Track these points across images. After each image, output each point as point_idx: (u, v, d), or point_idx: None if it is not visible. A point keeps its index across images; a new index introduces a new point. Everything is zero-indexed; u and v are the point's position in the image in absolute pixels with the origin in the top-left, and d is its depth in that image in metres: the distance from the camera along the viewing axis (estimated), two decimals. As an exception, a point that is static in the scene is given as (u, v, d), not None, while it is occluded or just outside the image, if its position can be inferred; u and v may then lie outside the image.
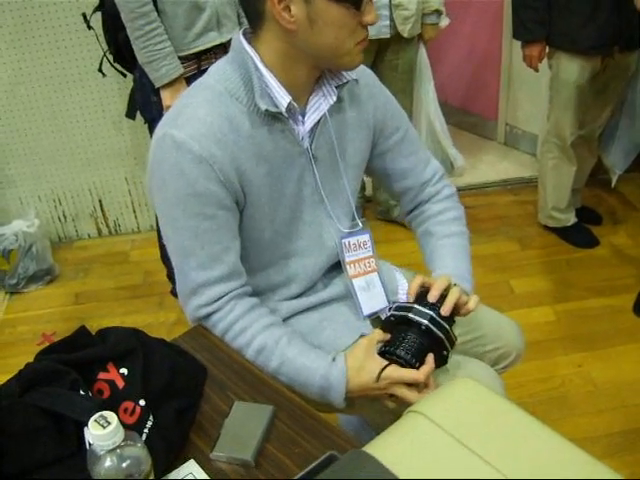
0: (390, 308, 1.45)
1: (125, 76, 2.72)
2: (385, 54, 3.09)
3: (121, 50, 2.50)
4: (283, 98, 1.34)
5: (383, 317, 1.57)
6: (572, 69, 2.87)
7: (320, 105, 1.43)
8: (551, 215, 3.38)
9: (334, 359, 1.36)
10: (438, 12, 3.09)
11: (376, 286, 1.60)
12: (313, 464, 0.75)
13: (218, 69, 1.39)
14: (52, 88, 3.30)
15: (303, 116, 1.42)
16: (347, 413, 1.56)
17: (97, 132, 3.44)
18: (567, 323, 2.83)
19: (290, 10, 1.25)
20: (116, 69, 2.66)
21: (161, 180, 1.35)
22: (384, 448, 0.73)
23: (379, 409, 1.43)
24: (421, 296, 1.41)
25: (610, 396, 2.45)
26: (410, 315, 1.36)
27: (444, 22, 3.20)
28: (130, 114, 2.73)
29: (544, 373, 2.55)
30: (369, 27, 1.33)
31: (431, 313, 1.35)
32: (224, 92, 1.35)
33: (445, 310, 1.37)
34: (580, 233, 3.38)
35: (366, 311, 1.56)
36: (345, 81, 1.42)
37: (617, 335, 2.73)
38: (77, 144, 3.46)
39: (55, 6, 3.11)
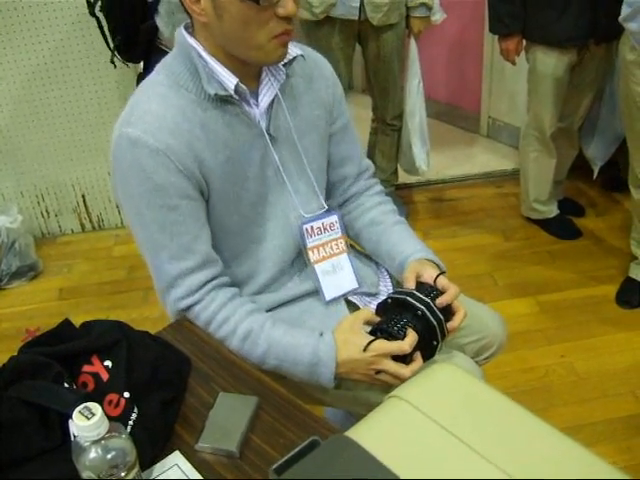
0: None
1: (128, 66, 2.86)
2: (368, 43, 3.09)
3: (131, 39, 2.56)
4: (230, 80, 1.36)
5: (354, 300, 1.59)
6: (548, 62, 2.88)
7: (272, 85, 1.44)
8: (533, 207, 3.39)
9: (321, 334, 1.38)
10: (426, 6, 3.03)
11: (344, 268, 1.60)
12: (296, 449, 0.75)
13: (165, 65, 1.42)
14: (34, 84, 3.28)
15: (257, 98, 1.44)
16: (335, 404, 1.57)
17: (79, 127, 3.42)
18: (550, 314, 2.85)
19: (200, 3, 1.27)
20: (121, 60, 2.75)
21: (123, 178, 1.37)
22: (365, 433, 0.74)
23: (365, 399, 1.45)
24: (419, 286, 1.45)
25: (593, 386, 2.47)
26: (408, 299, 1.38)
27: (437, 17, 3.15)
28: None
29: (527, 364, 2.57)
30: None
31: (428, 301, 1.38)
32: (173, 85, 1.37)
33: (441, 302, 1.40)
34: (562, 225, 3.39)
35: (329, 296, 1.56)
36: (291, 58, 1.43)
37: (599, 325, 2.76)
38: (59, 140, 3.44)
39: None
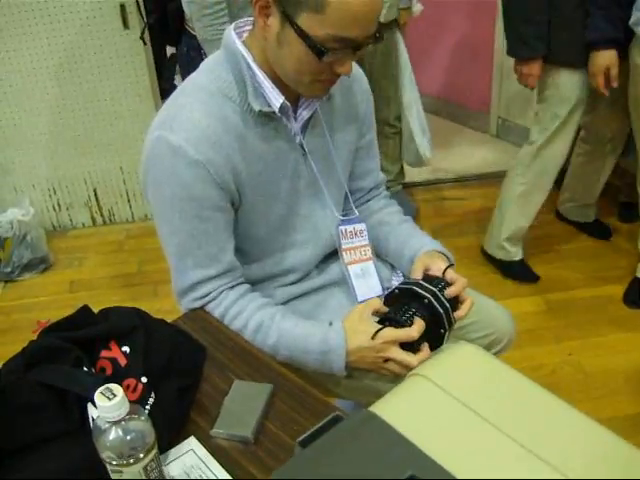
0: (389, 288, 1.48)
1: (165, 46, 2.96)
2: None
3: (166, 20, 2.60)
4: (276, 99, 1.35)
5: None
6: (574, 85, 2.68)
7: (312, 101, 1.44)
8: (502, 246, 3.13)
9: (331, 324, 1.39)
10: None
11: (372, 275, 1.63)
12: (318, 424, 0.77)
13: (210, 67, 1.40)
14: (47, 77, 3.30)
15: (295, 112, 1.44)
16: (347, 395, 1.58)
17: (92, 121, 3.45)
18: (558, 312, 2.87)
19: (268, 18, 1.26)
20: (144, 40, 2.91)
21: (156, 183, 1.36)
22: (387, 408, 0.75)
23: (375, 389, 1.46)
24: (426, 277, 1.46)
25: (600, 384, 2.48)
26: (415, 288, 1.40)
27: (416, 8, 3.21)
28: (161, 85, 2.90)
29: (535, 361, 2.59)
30: None
31: (435, 290, 1.39)
32: (217, 92, 1.35)
33: (449, 292, 1.42)
34: (523, 269, 3.16)
35: (360, 297, 1.58)
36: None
37: (607, 325, 2.77)
38: (72, 133, 3.46)
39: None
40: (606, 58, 2.51)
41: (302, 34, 1.21)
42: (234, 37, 1.36)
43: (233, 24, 1.40)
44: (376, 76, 3.23)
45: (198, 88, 1.38)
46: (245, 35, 1.39)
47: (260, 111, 1.35)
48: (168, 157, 1.31)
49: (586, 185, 3.29)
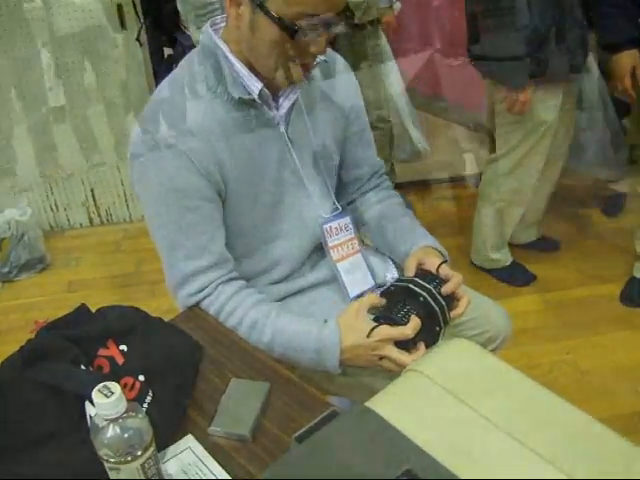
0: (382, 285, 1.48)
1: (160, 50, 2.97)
2: (341, 41, 3.10)
3: (161, 21, 2.61)
4: (255, 85, 1.37)
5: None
6: (549, 104, 2.60)
7: (293, 90, 1.45)
8: (490, 257, 3.10)
9: (325, 321, 1.39)
10: None
11: (361, 267, 1.63)
12: (315, 420, 0.77)
13: (190, 62, 1.42)
14: (45, 77, 3.30)
15: (277, 101, 1.45)
16: (342, 392, 1.58)
17: (89, 121, 3.45)
18: (556, 311, 2.87)
19: (239, 7, 1.28)
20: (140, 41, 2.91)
21: (142, 175, 1.38)
22: (384, 403, 0.76)
23: (369, 387, 1.46)
24: (421, 273, 1.46)
25: (597, 383, 2.48)
26: (410, 286, 1.39)
27: (397, 6, 3.31)
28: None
29: (533, 360, 2.58)
30: None
31: (430, 287, 1.39)
32: (197, 84, 1.38)
33: (445, 290, 1.41)
34: (517, 271, 3.12)
35: (353, 294, 1.58)
36: (314, 63, 1.43)
37: (604, 323, 2.77)
38: (69, 133, 3.46)
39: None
40: (631, 58, 2.46)
41: (273, 17, 1.24)
42: (211, 33, 1.39)
43: (209, 21, 1.43)
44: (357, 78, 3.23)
45: (177, 82, 1.41)
46: (221, 32, 1.41)
47: (240, 99, 1.37)
48: (152, 149, 1.34)
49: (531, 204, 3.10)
